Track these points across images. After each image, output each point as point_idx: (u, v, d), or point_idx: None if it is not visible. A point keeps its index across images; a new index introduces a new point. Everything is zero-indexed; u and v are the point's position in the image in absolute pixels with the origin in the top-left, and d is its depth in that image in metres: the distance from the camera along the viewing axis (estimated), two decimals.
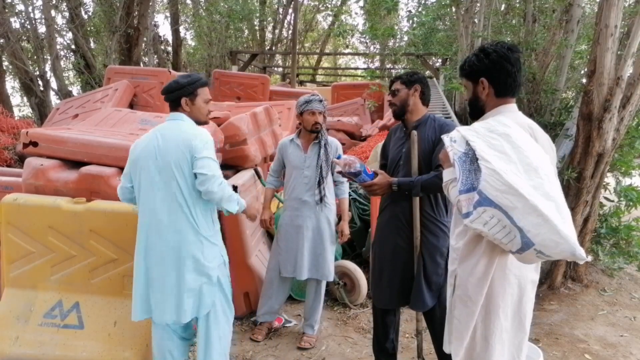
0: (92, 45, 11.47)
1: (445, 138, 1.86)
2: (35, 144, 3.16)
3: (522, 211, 1.61)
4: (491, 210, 1.65)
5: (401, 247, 2.58)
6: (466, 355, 1.95)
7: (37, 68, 9.54)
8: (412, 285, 2.57)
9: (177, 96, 2.44)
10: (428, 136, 2.54)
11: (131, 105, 5.49)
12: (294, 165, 3.34)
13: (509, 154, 1.70)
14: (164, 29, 25.53)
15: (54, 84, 9.64)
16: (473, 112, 2.06)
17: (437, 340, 2.60)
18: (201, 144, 2.36)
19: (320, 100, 3.30)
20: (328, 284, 3.66)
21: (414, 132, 2.50)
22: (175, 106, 2.47)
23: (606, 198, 4.65)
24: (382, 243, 2.69)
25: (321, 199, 3.27)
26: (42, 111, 9.03)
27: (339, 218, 3.44)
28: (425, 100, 2.67)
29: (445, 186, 1.92)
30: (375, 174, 2.51)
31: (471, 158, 1.75)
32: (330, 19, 19.36)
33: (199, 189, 2.38)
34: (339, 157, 2.61)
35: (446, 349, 2.08)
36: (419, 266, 2.53)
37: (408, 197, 2.52)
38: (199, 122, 2.52)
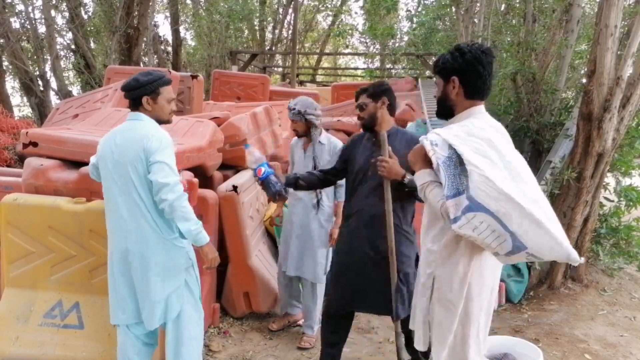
0: (92, 45, 11.46)
1: (425, 141, 1.83)
2: (35, 144, 3.15)
3: (517, 217, 1.61)
4: (482, 216, 1.64)
5: (370, 256, 2.54)
6: (447, 357, 1.95)
7: (37, 68, 9.52)
8: (376, 294, 2.53)
9: (137, 95, 2.34)
10: (399, 150, 2.50)
11: None
12: (297, 163, 3.47)
13: (494, 159, 1.70)
14: (164, 29, 25.49)
15: (54, 84, 9.63)
16: (441, 110, 2.03)
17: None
18: (156, 145, 2.26)
19: (290, 109, 3.29)
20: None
21: (384, 133, 2.44)
22: (136, 105, 2.37)
23: (606, 198, 4.65)
24: (348, 251, 2.62)
25: (318, 203, 3.31)
26: (42, 111, 9.02)
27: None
28: (392, 111, 2.65)
29: (422, 189, 1.89)
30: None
31: (455, 162, 1.74)
32: (330, 19, 19.35)
33: (154, 198, 2.30)
34: (247, 146, 2.56)
35: (419, 347, 2.08)
36: (392, 276, 2.47)
37: (381, 205, 2.47)
38: (161, 122, 2.43)
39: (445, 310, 1.92)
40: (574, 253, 1.63)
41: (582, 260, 1.69)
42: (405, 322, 2.63)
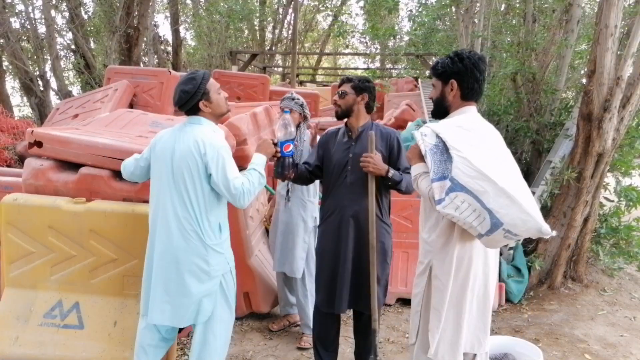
0: (92, 45, 11.46)
1: (416, 133, 2.02)
2: (39, 144, 3.13)
3: (493, 194, 1.77)
4: (462, 196, 1.80)
5: (354, 253, 2.59)
6: (440, 339, 2.04)
7: (37, 68, 9.52)
8: (360, 288, 2.58)
9: (193, 104, 2.37)
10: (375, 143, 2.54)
11: (131, 105, 5.48)
12: None
13: (475, 144, 1.88)
14: (164, 29, 25.44)
15: (54, 84, 9.63)
16: (437, 110, 2.19)
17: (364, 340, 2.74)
18: (213, 153, 2.31)
19: (293, 99, 3.34)
20: None
21: (372, 132, 2.49)
22: (194, 111, 2.41)
23: (606, 198, 4.65)
24: (332, 251, 2.65)
25: (287, 193, 3.35)
26: (42, 111, 9.02)
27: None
28: (369, 109, 2.69)
29: (415, 179, 2.05)
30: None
31: (441, 149, 1.91)
32: (330, 19, 19.36)
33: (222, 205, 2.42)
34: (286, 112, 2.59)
35: (411, 339, 2.18)
36: (371, 270, 2.51)
37: (362, 200, 2.51)
38: (222, 115, 2.50)
39: (440, 296, 2.02)
40: (545, 226, 1.78)
41: (554, 233, 1.89)
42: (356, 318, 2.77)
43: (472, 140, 1.88)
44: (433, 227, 2.05)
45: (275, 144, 2.55)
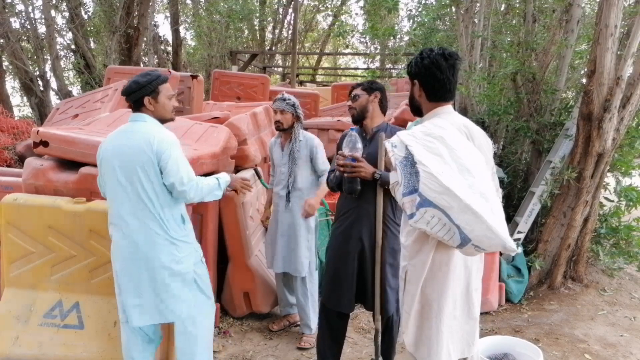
0: (92, 45, 11.47)
1: (387, 144, 1.96)
2: (45, 144, 3.12)
3: (458, 210, 1.73)
4: (432, 211, 1.76)
5: (363, 253, 2.61)
6: (417, 345, 2.02)
7: (37, 68, 9.53)
8: (371, 288, 2.58)
9: (138, 96, 2.37)
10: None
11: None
12: (275, 162, 3.49)
13: (444, 156, 1.82)
14: (164, 29, 25.50)
15: (54, 84, 9.64)
16: (412, 110, 2.18)
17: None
18: (165, 147, 2.31)
19: (284, 99, 3.33)
20: None
21: (382, 134, 2.49)
22: (138, 106, 2.40)
23: (606, 198, 4.65)
24: (343, 248, 2.67)
25: (288, 195, 3.33)
26: (42, 111, 9.03)
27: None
28: (383, 108, 2.74)
29: (392, 188, 2.00)
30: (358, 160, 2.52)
31: (411, 162, 1.85)
32: (330, 19, 19.36)
33: (177, 199, 2.38)
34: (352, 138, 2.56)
35: (400, 338, 2.20)
36: (375, 271, 2.53)
37: (374, 200, 2.52)
38: (165, 120, 2.47)
39: (412, 301, 2.01)
40: (510, 242, 1.77)
41: (520, 249, 1.82)
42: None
43: (441, 151, 1.83)
44: (410, 232, 2.04)
45: (344, 156, 2.47)
